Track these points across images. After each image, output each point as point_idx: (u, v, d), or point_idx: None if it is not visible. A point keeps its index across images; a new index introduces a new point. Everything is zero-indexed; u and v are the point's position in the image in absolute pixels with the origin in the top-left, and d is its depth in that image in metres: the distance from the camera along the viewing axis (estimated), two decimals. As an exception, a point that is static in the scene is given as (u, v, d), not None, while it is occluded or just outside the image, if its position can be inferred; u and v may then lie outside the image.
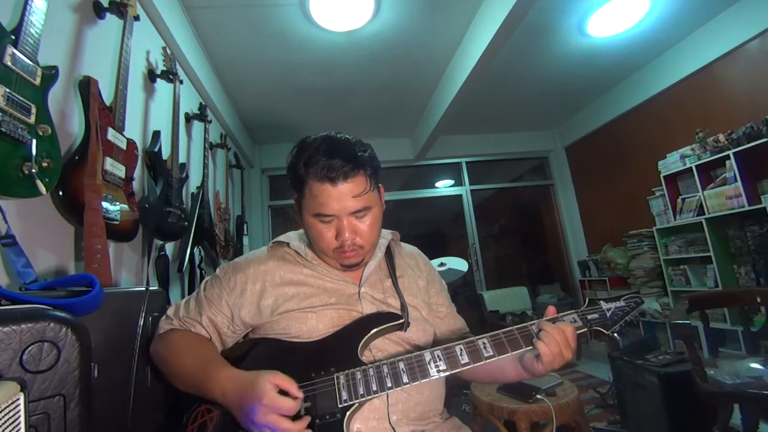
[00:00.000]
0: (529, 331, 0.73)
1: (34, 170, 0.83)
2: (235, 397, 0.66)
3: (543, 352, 0.68)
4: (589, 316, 0.77)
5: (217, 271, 0.87)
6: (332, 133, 0.78)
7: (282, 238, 0.89)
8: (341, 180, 0.72)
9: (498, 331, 0.73)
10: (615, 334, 0.75)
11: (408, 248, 1.01)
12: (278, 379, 0.64)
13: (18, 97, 0.83)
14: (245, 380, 0.66)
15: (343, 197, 0.73)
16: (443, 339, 0.91)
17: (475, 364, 0.70)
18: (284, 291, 0.81)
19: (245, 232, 3.12)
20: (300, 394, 0.65)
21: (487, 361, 0.70)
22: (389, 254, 0.92)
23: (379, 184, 0.83)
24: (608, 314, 0.77)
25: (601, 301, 0.79)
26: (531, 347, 0.71)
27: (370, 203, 0.77)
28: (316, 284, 0.83)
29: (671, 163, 2.94)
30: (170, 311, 0.85)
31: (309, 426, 0.65)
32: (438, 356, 0.71)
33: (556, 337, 0.68)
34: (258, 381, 0.64)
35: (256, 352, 0.79)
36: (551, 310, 0.76)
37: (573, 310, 0.78)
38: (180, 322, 0.82)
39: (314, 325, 0.77)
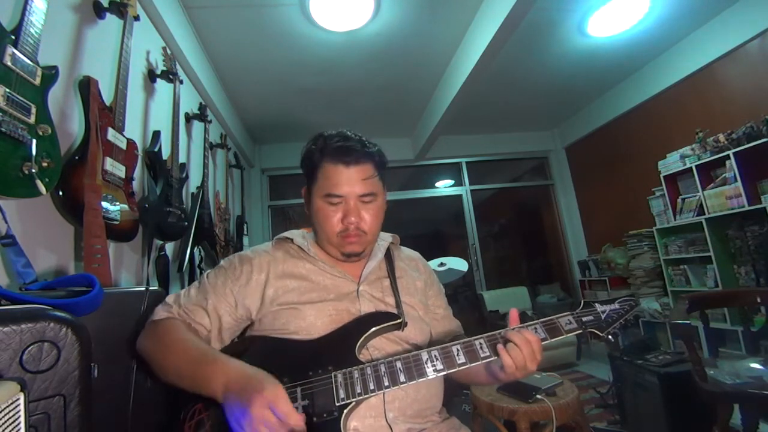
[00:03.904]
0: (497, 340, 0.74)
1: (34, 170, 0.83)
2: (239, 383, 0.63)
3: (506, 364, 0.69)
4: (584, 318, 0.78)
5: (222, 262, 0.88)
6: (346, 130, 0.85)
7: (286, 234, 0.90)
8: (353, 163, 0.79)
9: (494, 332, 0.74)
10: (609, 337, 0.76)
11: (408, 252, 1.03)
12: (281, 392, 0.60)
13: (18, 97, 0.83)
14: (253, 372, 0.65)
15: (354, 180, 0.80)
16: (438, 340, 0.92)
17: (472, 364, 0.70)
18: (285, 283, 0.82)
19: (245, 232, 3.12)
20: (299, 421, 0.60)
21: (484, 361, 0.71)
22: (389, 256, 0.93)
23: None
24: (603, 316, 0.78)
25: (596, 304, 0.80)
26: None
27: (376, 191, 0.83)
28: (316, 279, 0.84)
29: (671, 163, 2.94)
30: (170, 299, 0.83)
31: (307, 424, 0.65)
32: (435, 356, 0.71)
33: (523, 349, 0.69)
34: (266, 376, 0.63)
35: (254, 350, 0.79)
36: (513, 316, 0.76)
37: (569, 312, 0.79)
38: (180, 310, 0.80)
39: (312, 321, 0.77)
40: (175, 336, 0.75)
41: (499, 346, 0.71)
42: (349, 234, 0.81)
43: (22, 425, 0.44)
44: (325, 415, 0.66)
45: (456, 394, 2.45)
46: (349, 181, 0.79)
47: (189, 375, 0.69)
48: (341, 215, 0.80)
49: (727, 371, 1.44)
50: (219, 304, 0.81)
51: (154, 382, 0.82)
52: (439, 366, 0.70)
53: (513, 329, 0.73)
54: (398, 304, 0.84)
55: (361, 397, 0.68)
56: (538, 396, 1.44)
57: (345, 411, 0.67)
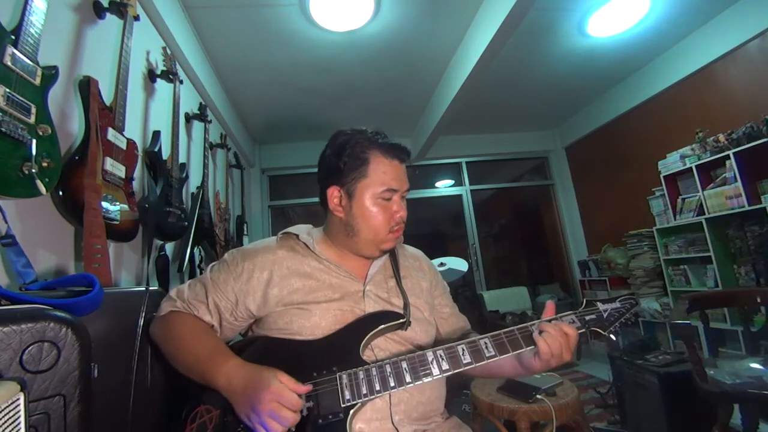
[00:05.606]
0: (530, 331, 0.73)
1: (34, 170, 0.83)
2: (241, 384, 0.66)
3: (542, 350, 0.70)
4: (587, 317, 0.78)
5: (226, 255, 0.87)
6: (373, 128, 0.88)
7: (291, 229, 0.89)
8: (404, 159, 0.85)
9: (499, 331, 0.74)
10: (611, 336, 0.77)
11: (411, 250, 1.03)
12: (285, 377, 0.65)
13: (18, 97, 0.83)
14: (253, 370, 0.68)
15: (404, 175, 0.85)
16: (446, 338, 0.92)
17: (477, 364, 0.70)
18: (290, 282, 0.81)
19: (245, 232, 3.12)
20: (306, 388, 0.66)
21: (489, 360, 0.71)
22: (393, 255, 0.93)
23: None
24: (605, 315, 0.79)
25: (598, 303, 0.81)
26: (531, 347, 0.72)
27: None
28: (322, 278, 0.83)
29: (671, 163, 2.94)
30: (173, 293, 0.85)
31: (312, 426, 0.65)
32: (441, 356, 0.71)
33: (559, 339, 0.70)
34: (266, 372, 0.66)
35: (258, 350, 0.79)
36: (550, 307, 0.77)
37: (572, 311, 0.79)
38: (184, 305, 0.82)
39: (317, 321, 0.77)
40: (181, 332, 0.78)
41: (535, 335, 0.72)
42: (399, 227, 0.85)
43: (22, 425, 0.44)
44: (330, 416, 0.66)
45: (456, 395, 2.45)
46: (403, 176, 0.84)
47: (195, 371, 0.73)
48: (394, 210, 0.83)
49: (727, 371, 1.44)
50: (219, 302, 0.81)
51: (157, 382, 0.82)
52: (445, 366, 0.70)
53: (533, 323, 0.75)
54: (406, 305, 0.83)
55: (366, 398, 0.68)
56: (538, 396, 1.44)
57: (351, 412, 0.67)
